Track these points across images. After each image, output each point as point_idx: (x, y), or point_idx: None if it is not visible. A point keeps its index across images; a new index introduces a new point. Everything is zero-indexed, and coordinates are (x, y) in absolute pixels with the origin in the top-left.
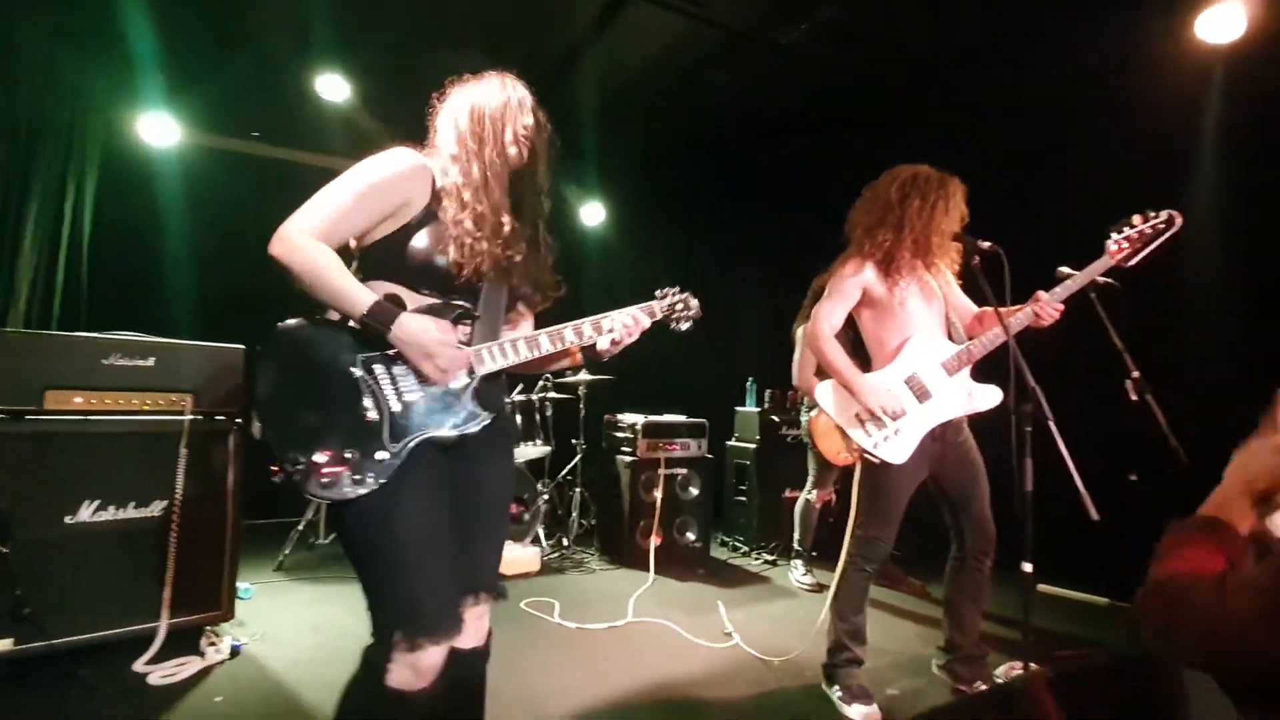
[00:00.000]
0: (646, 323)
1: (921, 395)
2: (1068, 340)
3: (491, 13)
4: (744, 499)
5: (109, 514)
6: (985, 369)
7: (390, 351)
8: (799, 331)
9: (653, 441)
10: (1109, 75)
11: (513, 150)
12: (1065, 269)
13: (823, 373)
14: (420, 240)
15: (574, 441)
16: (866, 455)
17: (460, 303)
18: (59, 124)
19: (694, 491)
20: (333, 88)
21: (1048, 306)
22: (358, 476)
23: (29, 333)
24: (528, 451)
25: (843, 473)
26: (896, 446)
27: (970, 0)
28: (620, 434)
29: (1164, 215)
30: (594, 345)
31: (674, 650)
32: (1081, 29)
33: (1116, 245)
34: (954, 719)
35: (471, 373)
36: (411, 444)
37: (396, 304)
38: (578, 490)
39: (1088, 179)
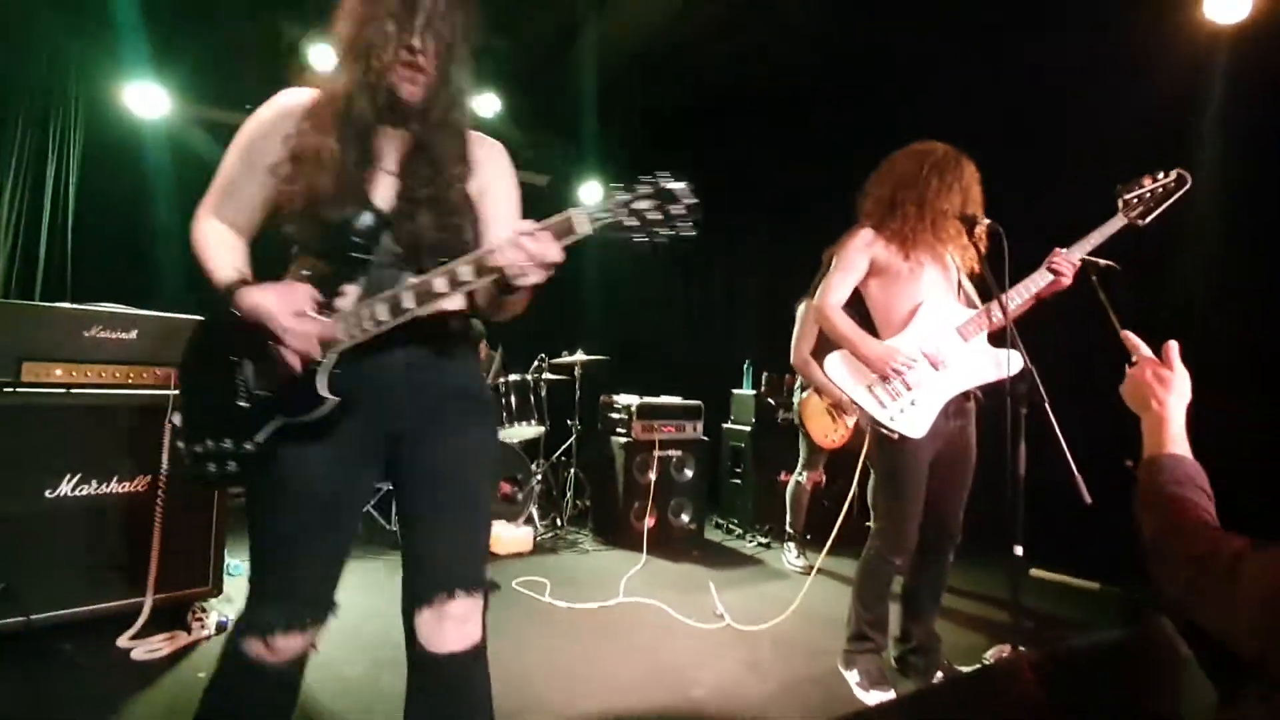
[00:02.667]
0: (548, 251)
1: (937, 363)
2: (1065, 323)
3: None
4: (739, 481)
5: (90, 488)
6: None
7: (258, 335)
8: (801, 307)
9: (647, 423)
10: (1115, 55)
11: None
12: (1063, 250)
13: (820, 351)
14: (287, 190)
15: (569, 422)
16: (883, 430)
17: (340, 266)
18: (37, 90)
19: (689, 474)
20: (326, 58)
21: (1064, 262)
22: (229, 466)
23: (6, 303)
24: (522, 431)
25: (831, 456)
26: (914, 418)
27: None
28: (615, 415)
29: (1173, 175)
30: (497, 285)
31: (664, 630)
32: (1088, 8)
33: (1126, 204)
34: (940, 699)
35: (327, 349)
36: (271, 432)
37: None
38: (572, 471)
39: (1092, 160)
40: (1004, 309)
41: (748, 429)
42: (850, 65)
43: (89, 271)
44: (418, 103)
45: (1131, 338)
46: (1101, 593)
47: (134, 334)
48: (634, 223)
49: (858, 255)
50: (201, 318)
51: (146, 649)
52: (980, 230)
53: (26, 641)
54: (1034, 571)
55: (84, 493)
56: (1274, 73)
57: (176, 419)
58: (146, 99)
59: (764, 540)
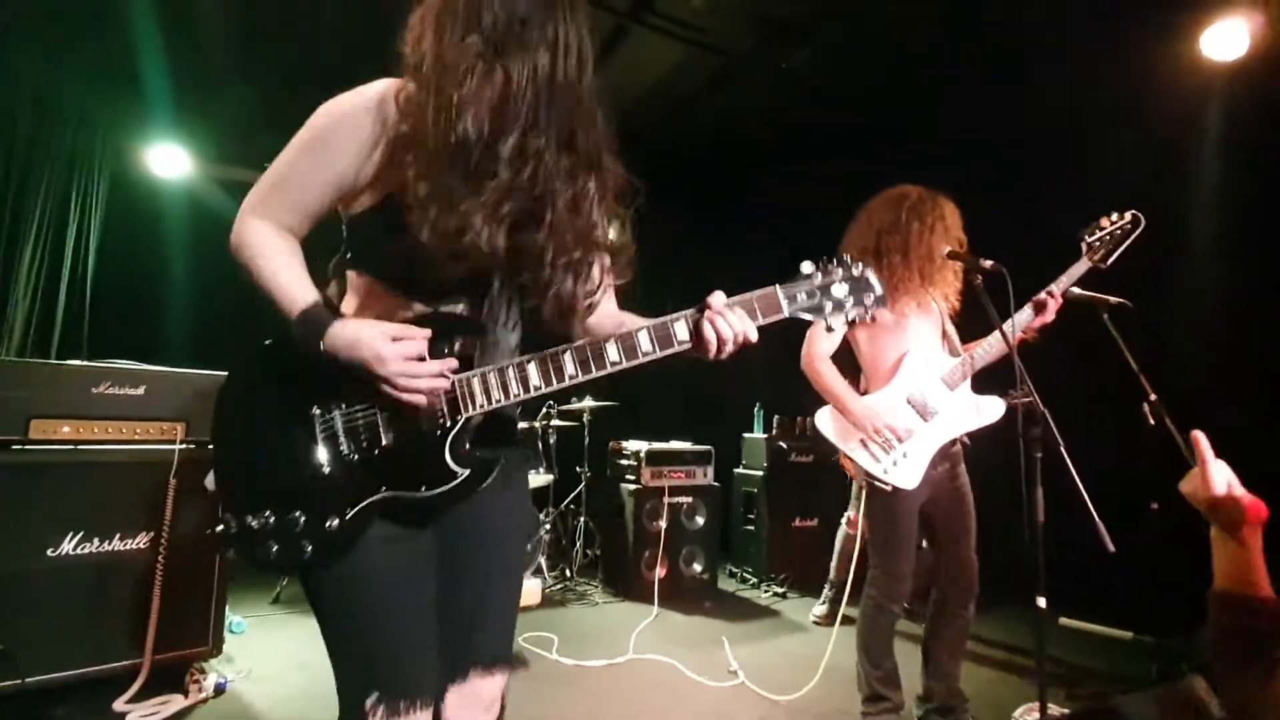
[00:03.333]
0: (750, 329)
1: (924, 413)
2: (1081, 364)
3: None
4: (752, 528)
5: (93, 546)
6: (995, 389)
7: (355, 383)
8: None
9: (657, 469)
10: (1114, 93)
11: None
12: (1076, 289)
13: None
14: (397, 221)
15: (578, 469)
16: (876, 483)
17: (450, 311)
18: (63, 154)
19: (700, 521)
20: None
21: (1047, 299)
22: (299, 546)
23: (14, 361)
24: (530, 480)
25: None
26: (907, 470)
27: (972, 19)
28: (624, 461)
29: (1128, 216)
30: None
31: (675, 689)
32: (1086, 48)
33: (1089, 247)
34: None
35: (456, 411)
36: (369, 506)
37: (335, 311)
38: (582, 519)
39: (1092, 197)
40: (1012, 350)
41: (760, 474)
42: (849, 110)
43: (105, 328)
44: None
45: (1202, 443)
46: (1133, 643)
47: (141, 390)
48: (828, 306)
49: None
50: (260, 349)
51: (142, 713)
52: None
53: (20, 704)
54: (1063, 620)
55: (85, 551)
56: (1272, 107)
57: (210, 481)
58: (169, 160)
59: (779, 590)
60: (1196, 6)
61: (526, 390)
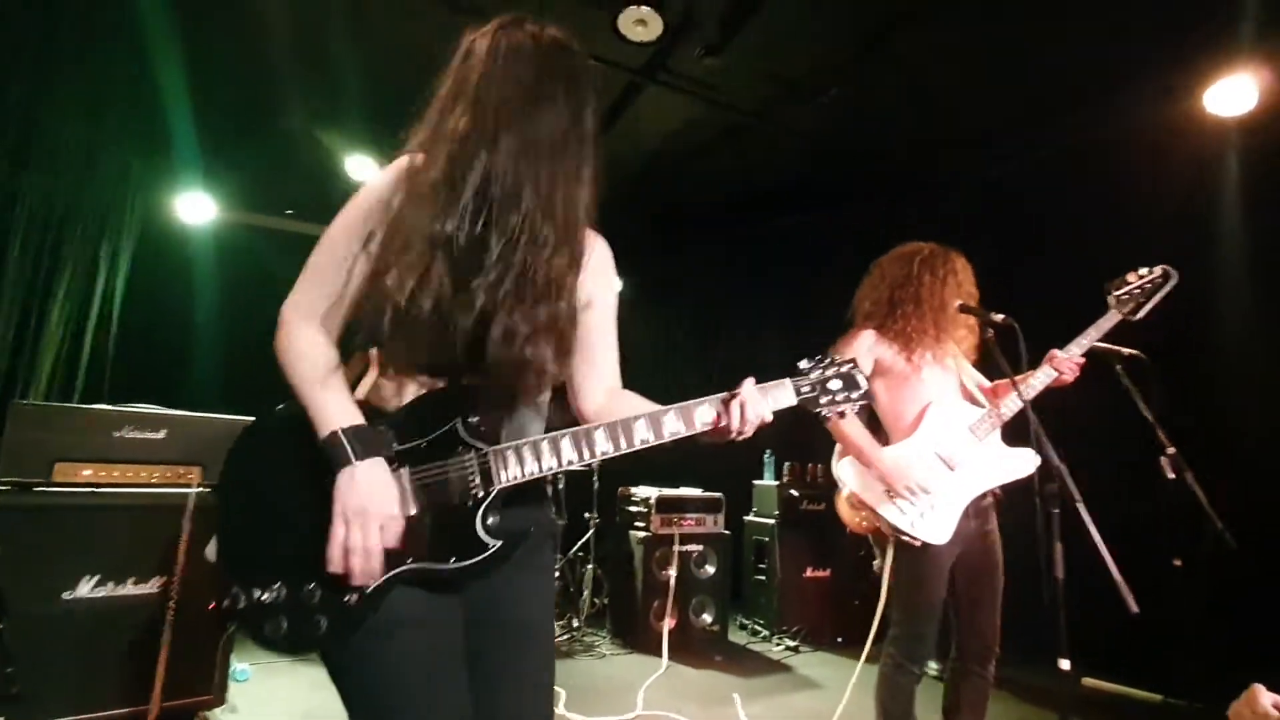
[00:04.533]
0: (767, 413)
1: (951, 464)
2: (1098, 417)
3: None
4: (763, 578)
5: (108, 589)
6: (1008, 443)
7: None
8: None
9: (666, 516)
10: (1122, 150)
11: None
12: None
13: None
14: (389, 288)
15: (587, 515)
16: (904, 537)
17: (483, 385)
18: (97, 204)
19: (710, 570)
20: (362, 168)
21: (1066, 362)
22: (313, 621)
23: (42, 405)
24: None
25: (860, 543)
26: (936, 523)
27: (973, 78)
28: (634, 508)
29: (1158, 271)
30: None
31: None
32: (1090, 106)
33: (1118, 300)
34: None
35: (489, 482)
36: (392, 579)
37: (374, 418)
38: (590, 567)
39: (1103, 252)
40: (1025, 404)
41: (771, 522)
42: (852, 166)
43: (129, 371)
44: None
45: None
46: (1163, 706)
47: (162, 434)
48: (825, 399)
49: (862, 357)
50: (274, 414)
51: None
52: (993, 327)
53: None
54: (1087, 681)
55: (100, 595)
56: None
57: (211, 551)
58: (195, 207)
59: (791, 644)
60: (1199, 64)
61: (559, 463)
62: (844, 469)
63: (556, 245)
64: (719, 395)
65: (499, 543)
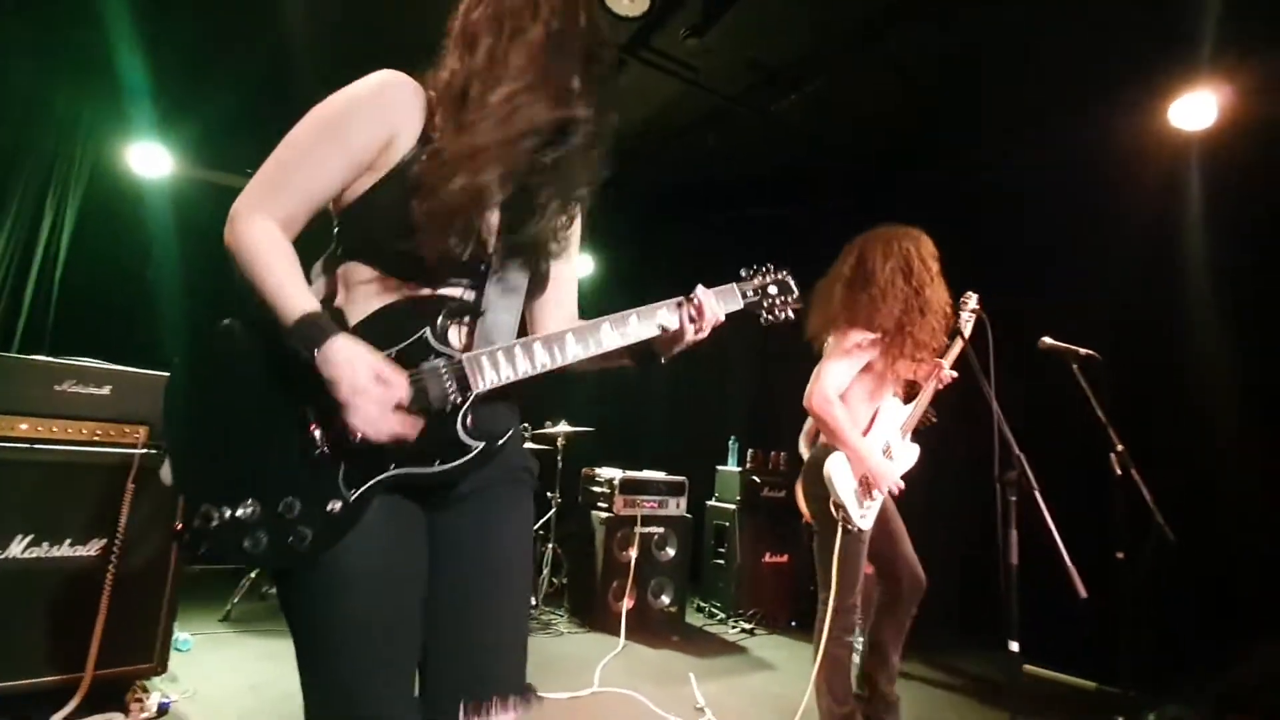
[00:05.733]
0: (720, 313)
1: (890, 457)
2: (1052, 413)
3: None
4: (722, 562)
5: (41, 550)
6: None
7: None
8: None
9: (630, 498)
10: (1090, 160)
11: (537, 30)
12: (1048, 339)
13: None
14: (400, 199)
15: (549, 495)
16: (849, 526)
17: (449, 294)
18: (42, 148)
19: (670, 552)
20: None
21: (949, 375)
22: (295, 535)
23: None
24: None
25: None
26: (870, 512)
27: (948, 86)
28: (597, 488)
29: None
30: (647, 344)
31: None
32: (1059, 113)
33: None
34: None
35: (467, 388)
36: (375, 486)
37: (340, 316)
38: (550, 546)
39: (1070, 259)
40: (992, 402)
41: (732, 507)
42: (834, 158)
43: (72, 326)
44: None
45: None
46: (1097, 694)
47: (107, 390)
48: (766, 303)
49: (858, 351)
50: (224, 328)
51: None
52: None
53: None
54: (1027, 667)
55: (33, 555)
56: (1244, 175)
57: (167, 473)
58: (150, 160)
59: (747, 627)
60: (1164, 80)
61: (533, 366)
62: (836, 463)
63: (582, 184)
64: (675, 299)
65: (481, 444)
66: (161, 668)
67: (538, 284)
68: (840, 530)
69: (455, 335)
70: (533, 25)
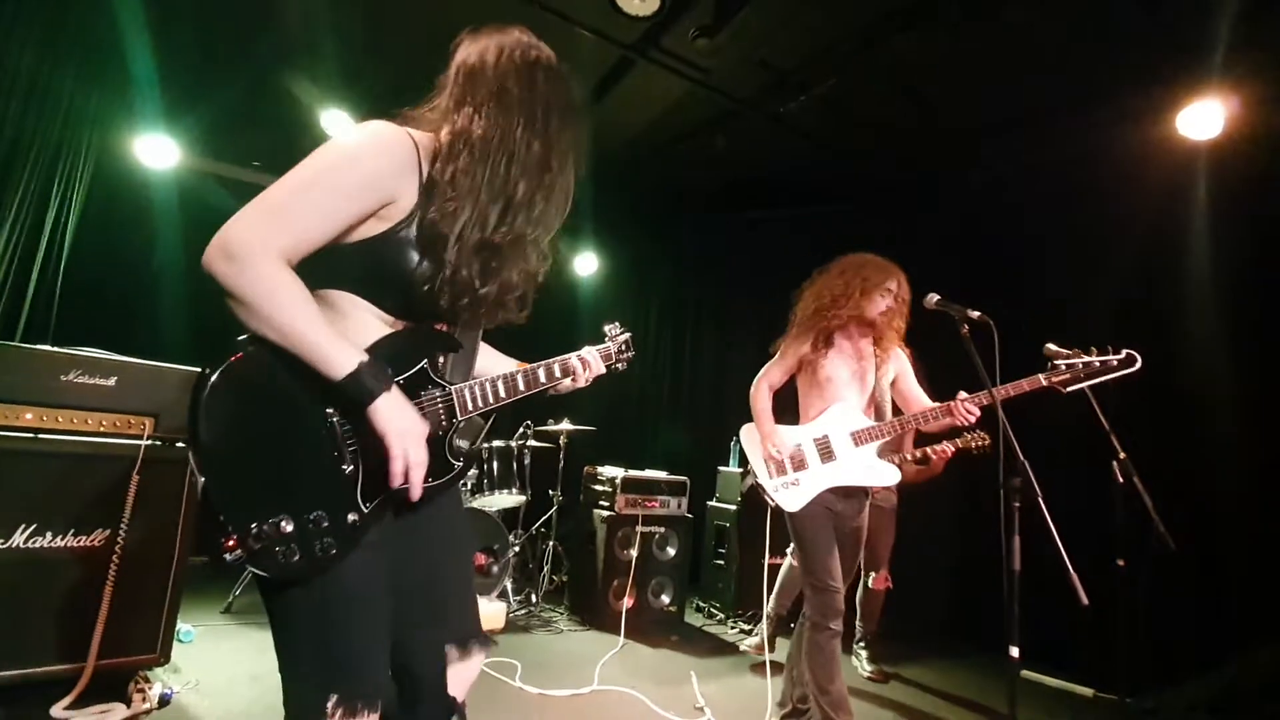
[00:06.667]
0: (601, 368)
1: (825, 456)
2: (1057, 421)
3: None
4: (722, 563)
5: (44, 540)
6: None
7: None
8: None
9: (631, 497)
10: (1095, 164)
11: (539, 145)
12: (1052, 345)
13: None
14: (405, 252)
15: (551, 493)
16: (765, 497)
17: (442, 330)
18: (48, 138)
19: (671, 552)
20: (338, 124)
21: (961, 407)
22: (322, 544)
23: None
24: (502, 500)
25: None
26: (791, 495)
27: (955, 90)
28: (599, 487)
29: (1123, 354)
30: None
31: None
32: (1066, 120)
33: (1053, 368)
34: None
35: (453, 415)
36: (386, 498)
37: (379, 359)
38: (551, 544)
39: (1076, 264)
40: (995, 403)
41: (733, 508)
42: (838, 162)
43: (76, 317)
44: None
45: None
46: (1095, 701)
47: (113, 381)
48: (616, 359)
49: (789, 350)
50: (247, 354)
51: None
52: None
53: None
54: (1024, 673)
55: (37, 545)
56: (1250, 185)
57: (203, 482)
58: (157, 151)
59: (746, 628)
60: (1172, 89)
61: (496, 400)
62: (747, 431)
63: (543, 245)
64: (575, 354)
65: (461, 463)
66: (164, 658)
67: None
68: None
69: (444, 367)
70: (540, 155)
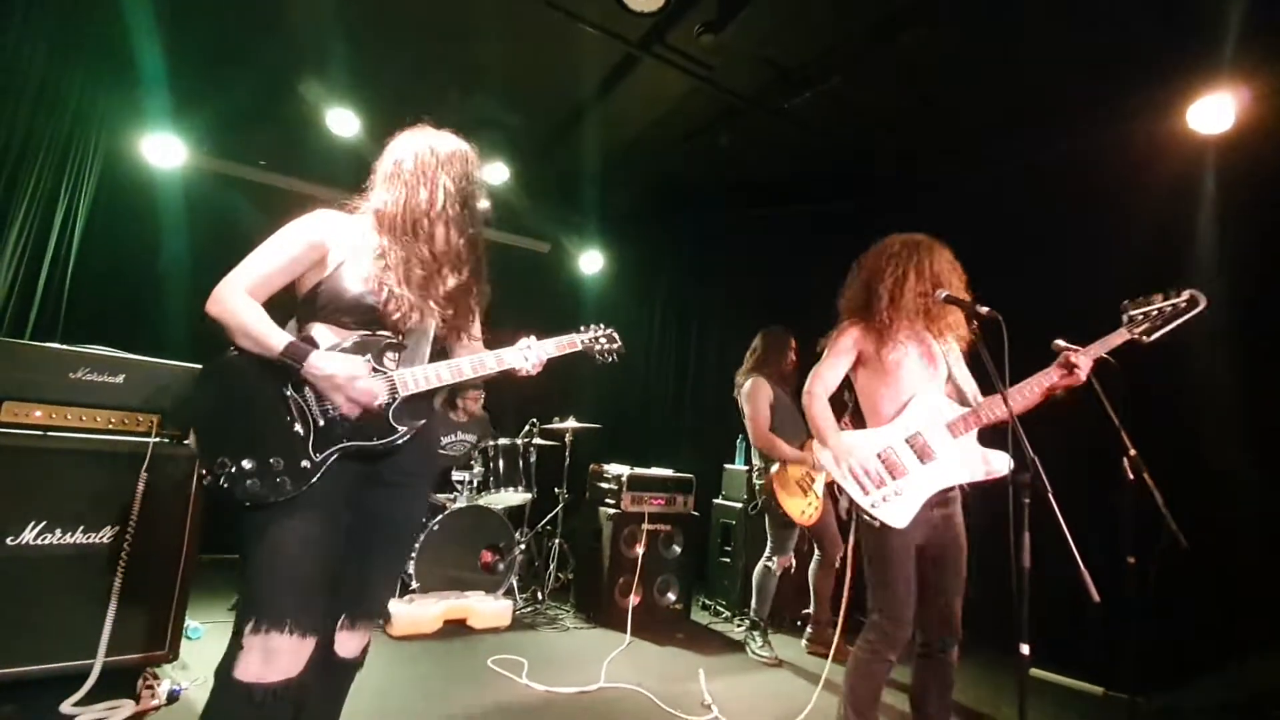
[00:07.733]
0: (549, 354)
1: (924, 456)
2: (1065, 418)
3: (503, 62)
4: (728, 560)
5: (54, 537)
6: (979, 434)
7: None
8: (747, 385)
9: (637, 495)
10: (1105, 158)
11: (440, 198)
12: (1061, 341)
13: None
14: (343, 283)
15: (556, 490)
16: (865, 516)
17: (385, 334)
18: (57, 137)
19: (677, 550)
20: (343, 122)
21: (1079, 357)
22: (279, 481)
23: None
24: (508, 498)
25: (803, 535)
26: (897, 508)
27: (963, 85)
28: (605, 485)
29: (1186, 295)
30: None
31: None
32: (1076, 113)
33: (1131, 319)
34: None
35: (394, 393)
36: (332, 454)
37: (310, 344)
38: (557, 541)
39: (1087, 266)
40: (1006, 401)
41: (739, 506)
42: (844, 160)
43: (84, 315)
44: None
45: None
46: (1105, 699)
47: (121, 378)
48: (598, 348)
49: (844, 347)
50: (238, 355)
51: (90, 717)
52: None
53: None
54: (1033, 671)
55: (46, 542)
56: (1259, 180)
57: (192, 440)
58: (164, 150)
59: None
60: (1182, 82)
61: (440, 380)
62: (822, 453)
63: (469, 280)
64: (525, 342)
65: (405, 428)
66: (173, 655)
67: (450, 328)
68: (859, 523)
69: (390, 361)
70: (433, 207)
